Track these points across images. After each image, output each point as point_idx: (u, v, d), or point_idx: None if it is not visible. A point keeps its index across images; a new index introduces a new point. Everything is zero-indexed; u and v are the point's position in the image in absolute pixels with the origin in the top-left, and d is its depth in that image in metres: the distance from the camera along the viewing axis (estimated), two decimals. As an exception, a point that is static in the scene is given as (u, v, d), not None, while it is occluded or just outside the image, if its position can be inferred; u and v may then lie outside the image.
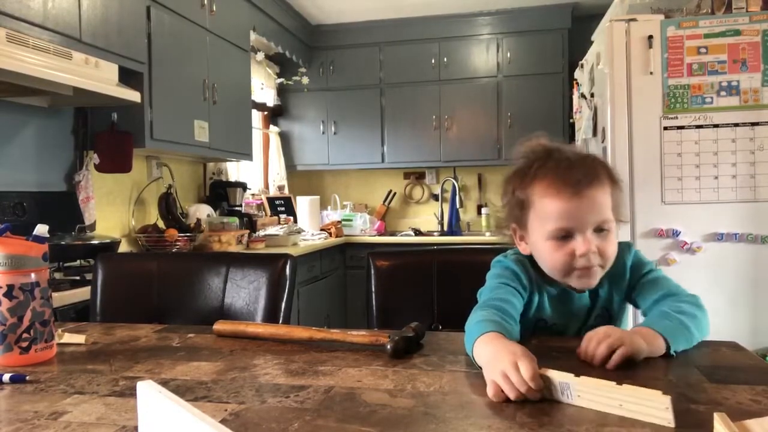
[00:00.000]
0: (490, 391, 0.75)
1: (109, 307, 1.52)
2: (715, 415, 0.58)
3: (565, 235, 0.98)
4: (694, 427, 0.65)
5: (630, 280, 1.08)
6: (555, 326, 1.09)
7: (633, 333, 0.90)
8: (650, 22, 2.51)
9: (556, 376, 0.74)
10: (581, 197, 0.96)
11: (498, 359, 0.77)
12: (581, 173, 0.97)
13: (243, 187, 3.95)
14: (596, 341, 0.87)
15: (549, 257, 1.01)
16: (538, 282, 1.07)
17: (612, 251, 1.00)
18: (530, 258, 1.08)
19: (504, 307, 0.98)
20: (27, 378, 0.87)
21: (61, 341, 1.09)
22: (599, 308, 1.08)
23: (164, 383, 0.84)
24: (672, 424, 0.65)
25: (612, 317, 1.10)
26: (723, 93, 2.45)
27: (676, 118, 2.48)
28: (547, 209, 0.98)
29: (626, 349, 0.85)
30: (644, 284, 1.07)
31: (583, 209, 0.96)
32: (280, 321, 1.42)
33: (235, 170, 4.15)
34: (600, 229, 0.98)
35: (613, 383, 0.71)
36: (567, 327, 1.09)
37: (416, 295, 1.47)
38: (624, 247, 1.08)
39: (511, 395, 0.73)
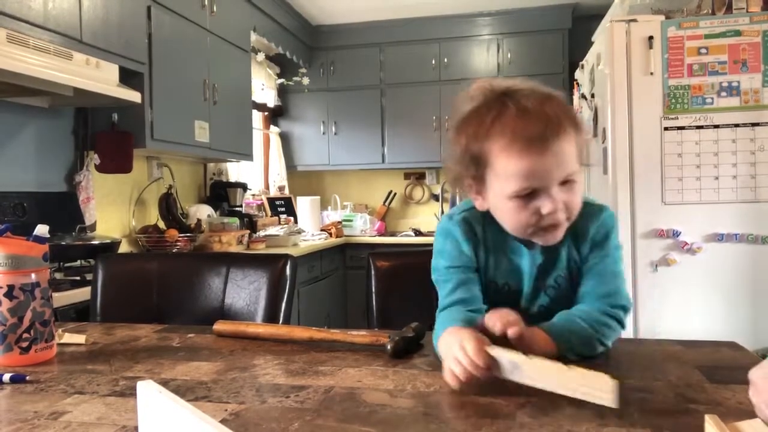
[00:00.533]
0: (446, 378, 0.79)
1: (110, 307, 1.52)
2: (706, 417, 0.58)
3: (529, 194, 0.88)
4: (693, 428, 0.65)
5: (588, 253, 0.99)
6: (507, 287, 1.02)
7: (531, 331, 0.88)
8: (651, 23, 2.51)
9: (505, 354, 0.76)
10: (545, 153, 0.85)
11: (448, 346, 0.81)
12: (543, 125, 0.86)
13: (243, 187, 3.95)
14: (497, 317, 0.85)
15: (512, 217, 0.92)
16: (485, 241, 1.00)
17: (578, 203, 0.92)
18: (484, 213, 0.99)
19: (466, 300, 0.98)
20: (27, 378, 0.87)
21: (61, 341, 1.09)
22: (562, 268, 1.00)
23: (164, 383, 0.84)
24: (615, 405, 0.68)
25: (581, 277, 1.01)
26: (723, 93, 2.45)
27: (677, 118, 2.48)
28: (507, 169, 0.88)
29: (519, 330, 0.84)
30: (591, 269, 0.99)
31: (548, 166, 0.86)
32: (281, 321, 1.42)
33: (235, 171, 4.15)
34: (565, 182, 0.89)
35: (562, 364, 0.73)
36: (521, 288, 1.01)
37: (416, 295, 1.46)
38: (593, 212, 0.99)
39: (462, 376, 0.76)
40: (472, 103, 0.93)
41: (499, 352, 0.76)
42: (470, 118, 0.92)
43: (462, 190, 0.99)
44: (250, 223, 3.69)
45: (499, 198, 0.91)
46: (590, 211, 0.99)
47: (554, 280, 1.01)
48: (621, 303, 0.97)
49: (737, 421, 0.58)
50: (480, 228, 1.01)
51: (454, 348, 0.79)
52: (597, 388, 0.70)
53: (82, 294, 1.94)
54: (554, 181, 0.87)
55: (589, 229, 0.98)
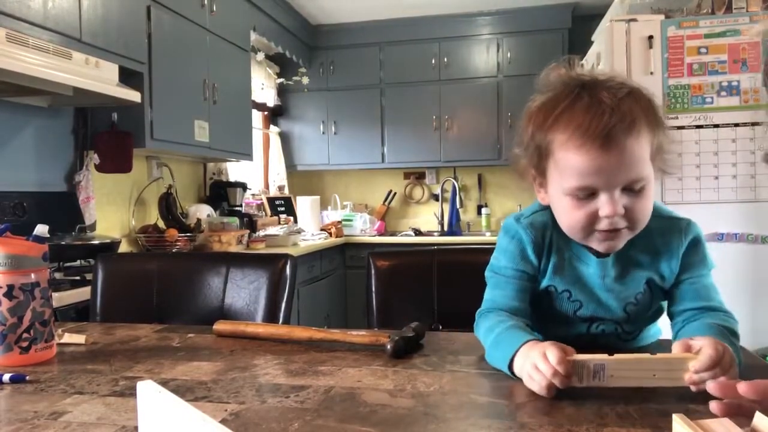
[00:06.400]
0: (536, 388, 0.75)
1: (109, 307, 1.52)
2: (674, 416, 0.58)
3: (587, 194, 0.84)
4: (694, 427, 0.64)
5: (679, 272, 0.94)
6: (568, 294, 0.96)
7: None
8: (650, 22, 2.51)
9: (590, 358, 0.75)
10: (608, 151, 0.80)
11: (529, 355, 0.78)
12: (613, 119, 0.80)
13: (243, 187, 3.95)
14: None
15: (566, 215, 0.88)
16: (550, 245, 0.96)
17: (644, 213, 0.86)
18: (552, 215, 0.95)
19: (522, 312, 0.95)
20: (27, 378, 0.87)
21: (61, 341, 1.09)
22: (641, 286, 0.94)
23: (164, 383, 0.84)
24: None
25: (656, 297, 0.96)
26: (723, 93, 2.45)
27: (677, 118, 2.48)
28: (567, 163, 0.84)
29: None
30: (691, 286, 0.94)
31: (611, 166, 0.81)
32: (280, 321, 1.42)
33: (235, 170, 4.15)
34: (631, 189, 0.84)
35: (648, 354, 0.75)
36: (587, 297, 0.96)
37: (416, 295, 1.47)
38: (678, 228, 0.94)
39: (543, 383, 0.74)
40: (550, 91, 0.90)
41: (584, 358, 0.75)
42: (542, 106, 0.89)
43: (526, 181, 0.96)
44: (249, 222, 3.69)
45: (557, 193, 0.89)
46: (673, 226, 0.94)
47: (634, 297, 0.95)
48: (726, 309, 0.93)
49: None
50: (548, 232, 0.96)
51: (534, 356, 0.76)
52: (685, 368, 0.73)
53: (82, 294, 1.94)
54: (616, 183, 0.83)
55: (673, 246, 0.93)
